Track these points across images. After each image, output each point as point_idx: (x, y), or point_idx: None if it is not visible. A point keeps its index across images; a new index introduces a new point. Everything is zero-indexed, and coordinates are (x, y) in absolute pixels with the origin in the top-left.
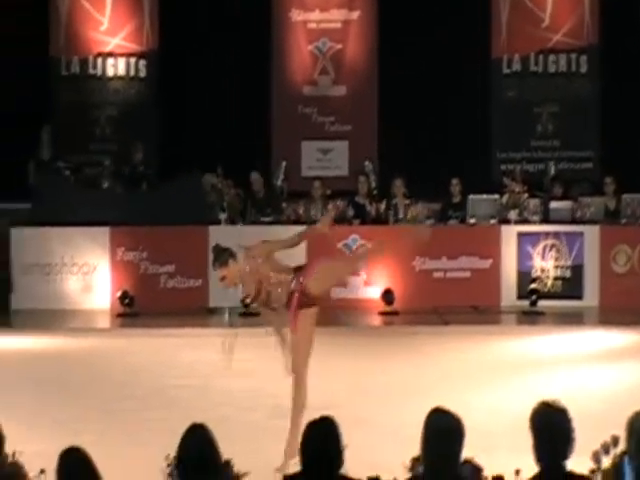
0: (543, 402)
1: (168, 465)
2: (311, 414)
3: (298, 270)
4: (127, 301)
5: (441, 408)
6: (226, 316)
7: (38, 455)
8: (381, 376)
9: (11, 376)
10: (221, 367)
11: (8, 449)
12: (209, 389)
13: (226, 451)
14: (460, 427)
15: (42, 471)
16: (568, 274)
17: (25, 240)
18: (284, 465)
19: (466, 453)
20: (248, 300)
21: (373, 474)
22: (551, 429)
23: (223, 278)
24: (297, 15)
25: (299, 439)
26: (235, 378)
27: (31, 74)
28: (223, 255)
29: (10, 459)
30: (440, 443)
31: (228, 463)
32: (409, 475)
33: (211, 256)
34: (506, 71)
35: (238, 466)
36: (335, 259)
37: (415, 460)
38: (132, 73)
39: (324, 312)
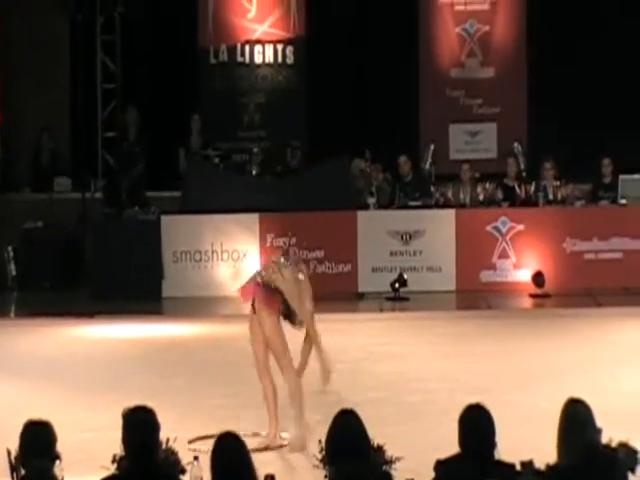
0: None
1: (320, 451)
2: (463, 399)
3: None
4: None
5: (576, 398)
6: None
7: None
8: (532, 359)
9: (164, 363)
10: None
11: (162, 436)
12: (359, 373)
13: (378, 435)
14: (591, 415)
15: (196, 458)
16: None
17: (175, 228)
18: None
19: (619, 436)
20: None
21: (524, 459)
22: None
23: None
24: None
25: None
26: (384, 362)
27: (181, 64)
28: None
29: (164, 446)
30: (577, 431)
31: (381, 447)
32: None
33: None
34: None
35: (391, 450)
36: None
37: None
38: (280, 60)
39: (473, 296)
